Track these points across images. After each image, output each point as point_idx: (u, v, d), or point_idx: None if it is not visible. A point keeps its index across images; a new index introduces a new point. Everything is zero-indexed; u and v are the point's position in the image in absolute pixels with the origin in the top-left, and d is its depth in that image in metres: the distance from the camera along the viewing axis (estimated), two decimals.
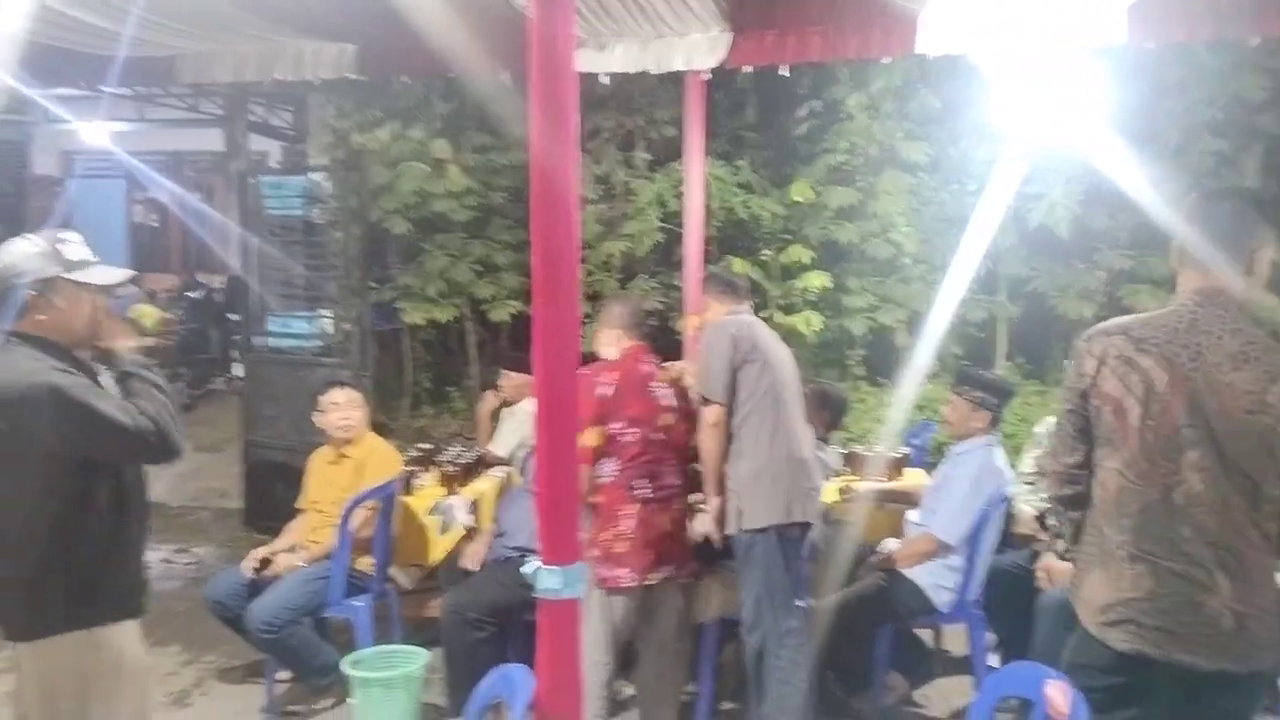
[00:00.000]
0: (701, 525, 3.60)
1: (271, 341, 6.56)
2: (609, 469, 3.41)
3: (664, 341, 7.58)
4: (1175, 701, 2.08)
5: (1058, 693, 1.90)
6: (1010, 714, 3.06)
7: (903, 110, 7.13)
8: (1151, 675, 2.00)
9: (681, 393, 3.62)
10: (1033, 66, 4.92)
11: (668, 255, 7.49)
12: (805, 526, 3.55)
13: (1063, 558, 2.19)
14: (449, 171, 7.28)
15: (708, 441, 3.49)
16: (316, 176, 6.75)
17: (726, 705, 3.91)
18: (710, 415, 3.46)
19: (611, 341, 3.59)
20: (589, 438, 3.31)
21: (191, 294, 10.97)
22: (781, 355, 3.63)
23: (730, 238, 7.62)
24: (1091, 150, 5.63)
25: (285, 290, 6.58)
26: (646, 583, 3.40)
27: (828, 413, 3.98)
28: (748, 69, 5.37)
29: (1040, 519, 3.85)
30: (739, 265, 7.31)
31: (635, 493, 3.40)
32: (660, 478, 3.47)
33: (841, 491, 4.48)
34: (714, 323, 3.62)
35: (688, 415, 3.57)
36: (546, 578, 1.87)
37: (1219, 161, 7.01)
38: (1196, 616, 1.99)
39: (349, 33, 4.95)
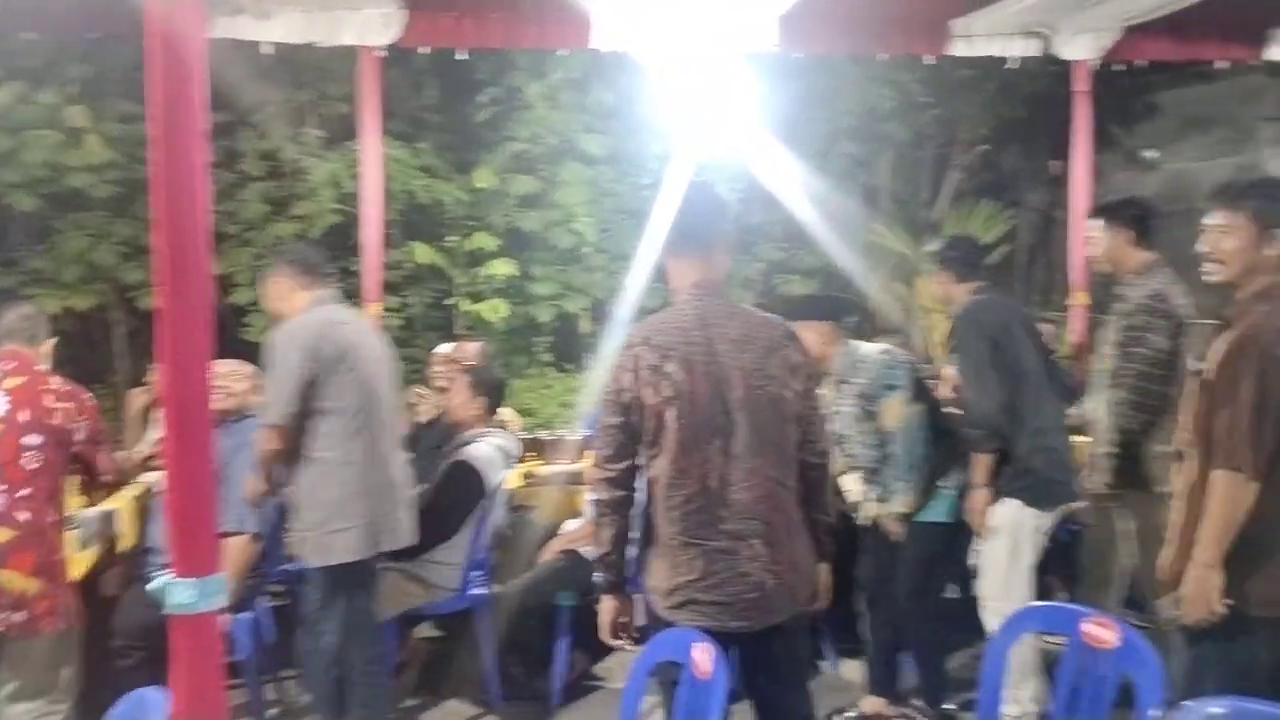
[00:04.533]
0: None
1: None
2: None
3: None
4: (743, 660, 2.34)
5: (701, 654, 2.03)
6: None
7: (581, 103, 7.32)
8: (716, 643, 2.17)
9: (25, 403, 2.91)
10: (695, 68, 5.23)
11: (345, 239, 7.14)
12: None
13: (600, 562, 2.34)
14: (87, 142, 6.47)
15: (261, 466, 3.11)
16: None
17: (409, 701, 3.82)
18: (267, 439, 3.02)
19: None
20: None
21: None
22: (373, 350, 3.21)
23: (413, 222, 7.43)
24: (748, 150, 6.08)
25: None
26: None
27: (485, 398, 3.93)
28: (425, 49, 5.26)
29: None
30: (422, 251, 7.16)
31: None
32: None
33: (525, 476, 4.52)
34: (285, 327, 3.08)
35: (33, 429, 2.89)
36: (179, 591, 1.71)
37: (854, 164, 7.86)
38: (744, 585, 2.23)
39: None
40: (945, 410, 3.55)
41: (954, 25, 5.10)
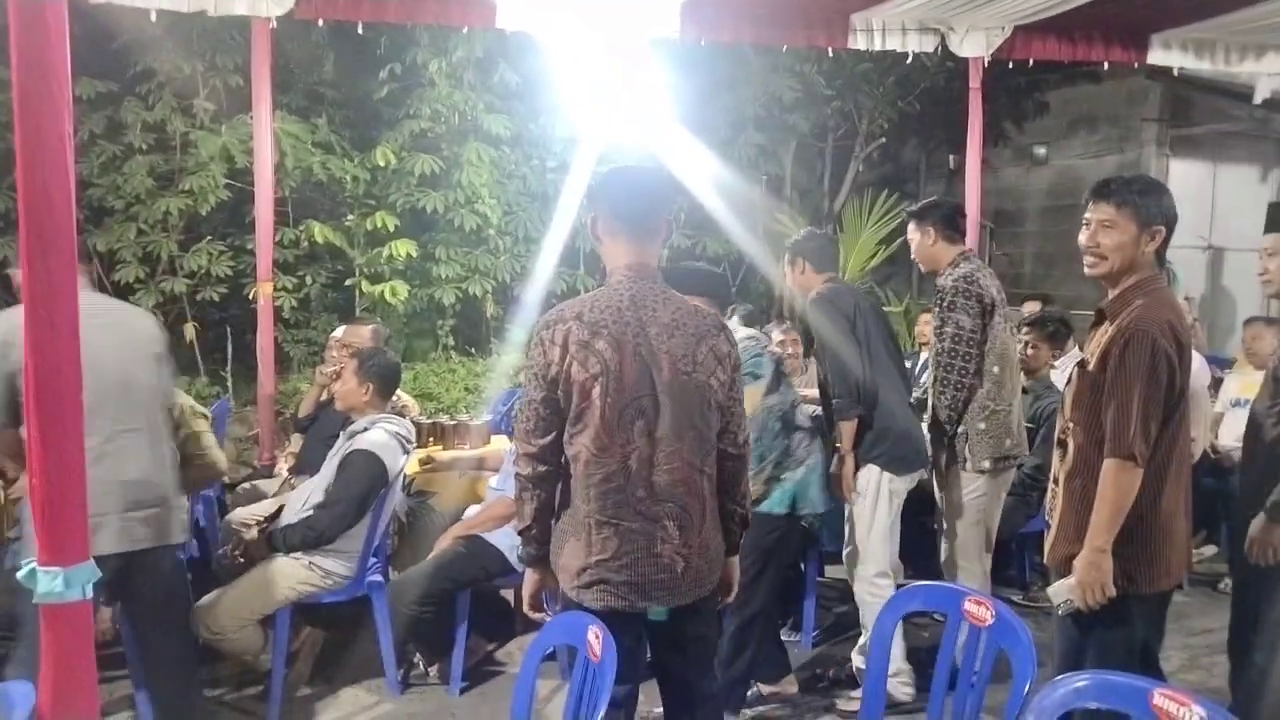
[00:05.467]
0: None
1: None
2: None
3: (237, 309, 7.03)
4: (654, 639, 2.37)
5: (594, 638, 2.03)
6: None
7: (485, 82, 7.21)
8: (622, 623, 2.23)
9: None
10: (600, 52, 5.20)
11: (238, 215, 6.91)
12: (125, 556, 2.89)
13: (521, 535, 2.35)
14: None
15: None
16: None
17: (304, 690, 3.73)
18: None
19: None
20: None
21: None
22: (100, 339, 2.72)
23: (309, 200, 7.22)
24: (654, 136, 6.09)
25: None
26: None
27: (377, 383, 3.84)
28: (320, 22, 5.10)
29: None
30: (319, 230, 6.96)
31: None
32: None
33: (423, 462, 4.45)
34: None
35: None
36: (45, 580, 1.62)
37: (760, 153, 7.95)
38: (654, 566, 2.24)
39: None
40: (799, 404, 3.67)
41: (855, 19, 5.20)
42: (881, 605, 3.46)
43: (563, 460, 2.28)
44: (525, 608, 2.45)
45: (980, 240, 5.94)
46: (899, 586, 3.44)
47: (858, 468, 3.54)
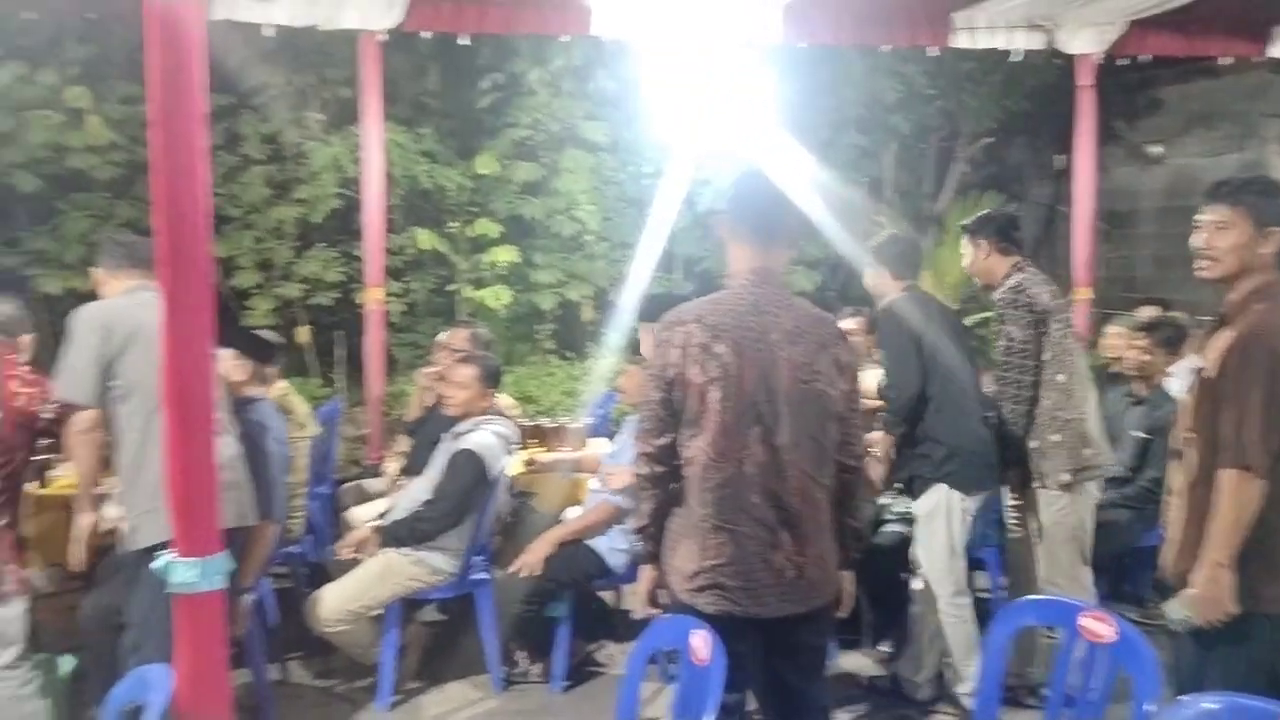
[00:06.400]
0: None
1: None
2: None
3: (347, 314, 7.27)
4: (762, 645, 2.33)
5: (700, 641, 2.04)
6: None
7: (583, 89, 7.29)
8: (736, 629, 2.21)
9: None
10: (698, 57, 5.22)
11: (348, 223, 7.15)
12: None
13: (638, 533, 2.36)
14: (89, 123, 6.46)
15: (79, 450, 3.00)
16: None
17: (412, 684, 3.84)
18: (78, 422, 2.94)
19: None
20: None
21: None
22: None
23: (415, 208, 7.42)
24: (752, 140, 6.07)
25: None
26: None
27: (481, 385, 3.94)
28: (427, 34, 5.26)
29: None
30: (424, 237, 7.16)
31: None
32: None
33: (527, 464, 4.53)
34: (85, 310, 2.97)
35: None
36: (181, 571, 1.71)
37: (860, 155, 7.84)
38: (766, 572, 2.23)
39: None
40: None
41: (957, 18, 5.10)
42: (965, 625, 3.48)
43: (680, 461, 2.27)
44: (642, 604, 2.46)
45: (1093, 243, 5.74)
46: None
47: (927, 486, 3.49)
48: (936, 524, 3.50)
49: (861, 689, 3.81)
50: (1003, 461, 3.53)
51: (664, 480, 2.28)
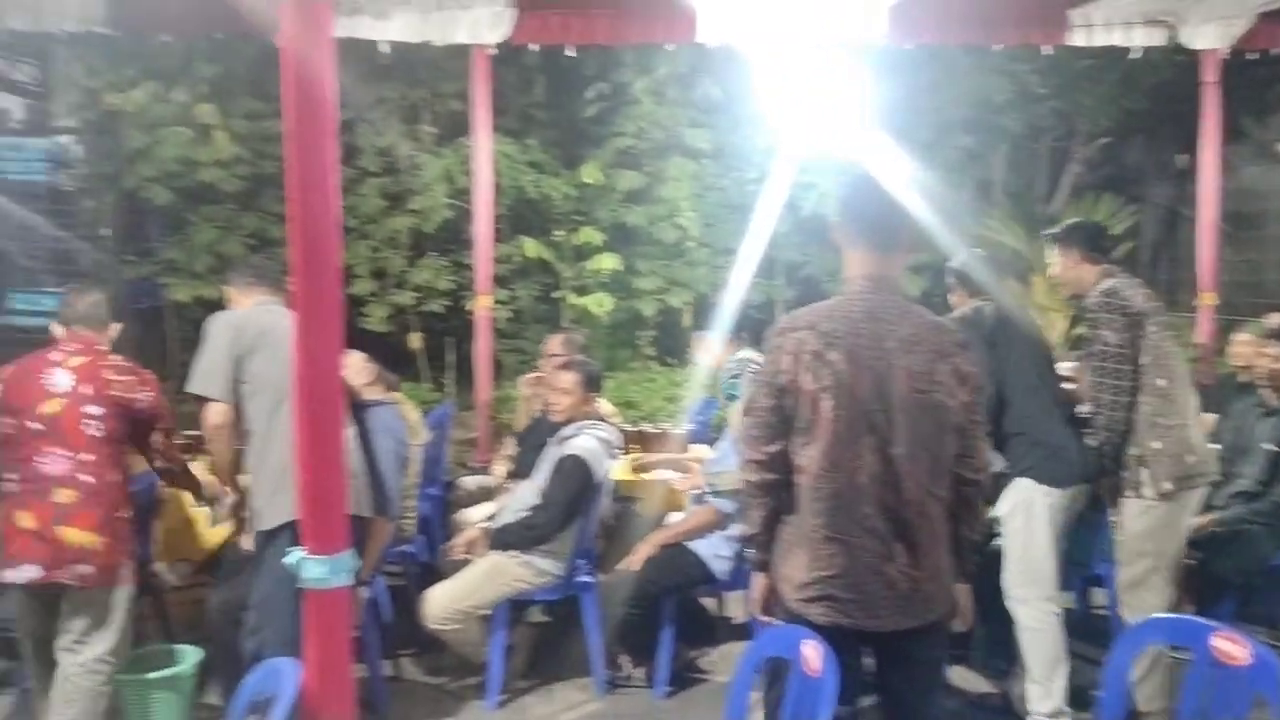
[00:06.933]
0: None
1: (18, 320, 5.95)
2: None
3: (457, 321, 7.48)
4: (878, 659, 2.30)
5: (812, 652, 2.03)
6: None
7: (687, 97, 7.34)
8: (847, 641, 2.19)
9: (87, 378, 3.07)
10: (803, 60, 5.19)
11: (457, 233, 7.36)
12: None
13: (749, 541, 2.35)
14: (216, 138, 6.82)
15: (214, 443, 3.21)
16: (63, 139, 6.14)
17: (518, 684, 3.91)
18: (211, 415, 3.15)
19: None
20: None
21: None
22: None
23: (521, 217, 7.59)
24: (856, 143, 6.00)
25: (31, 264, 5.97)
26: (5, 581, 2.97)
27: (583, 390, 4.01)
28: (534, 47, 5.37)
29: None
30: (530, 246, 7.31)
31: (4, 485, 3.02)
32: (30, 469, 2.99)
33: (635, 469, 4.56)
34: (218, 316, 3.28)
35: (94, 400, 3.05)
36: (311, 567, 1.80)
37: (967, 157, 7.66)
38: (879, 584, 2.18)
39: None
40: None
41: (1073, 15, 4.94)
42: (1048, 634, 3.34)
43: (790, 469, 2.25)
44: (754, 611, 2.45)
45: (1218, 246, 5.48)
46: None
47: (1008, 483, 3.39)
48: (1017, 521, 3.38)
49: (972, 706, 3.71)
50: (1099, 471, 3.40)
51: (774, 488, 2.26)
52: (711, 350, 4.13)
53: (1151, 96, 7.98)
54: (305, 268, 1.86)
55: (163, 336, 7.42)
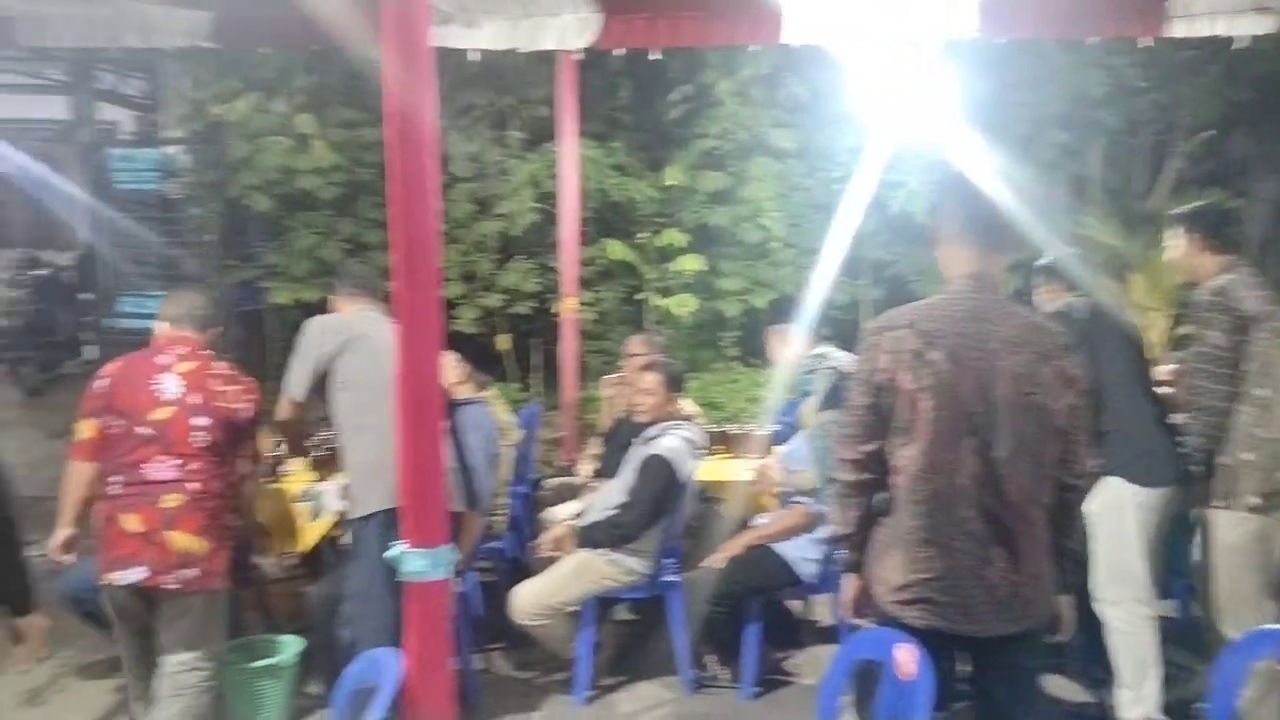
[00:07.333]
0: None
1: (125, 323, 6.26)
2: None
3: (543, 323, 7.59)
4: (973, 664, 2.27)
5: (907, 655, 2.02)
6: None
7: (771, 97, 7.30)
8: (943, 645, 2.16)
9: (195, 387, 3.15)
10: (891, 58, 5.12)
11: (544, 236, 7.46)
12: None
13: (842, 541, 2.32)
14: (314, 147, 7.06)
15: (282, 433, 3.61)
16: (171, 149, 6.43)
17: (605, 681, 3.96)
18: (280, 410, 3.44)
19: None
20: (81, 430, 3.12)
21: (37, 272, 10.29)
22: (391, 343, 3.39)
23: (606, 220, 7.66)
24: (946, 140, 5.90)
25: (140, 268, 6.27)
26: (110, 582, 3.04)
27: (666, 390, 4.02)
28: (619, 51, 5.42)
29: None
30: (615, 248, 7.37)
31: (107, 489, 3.09)
32: (137, 474, 3.06)
33: (719, 469, 4.55)
34: (311, 320, 3.50)
35: (202, 411, 3.13)
36: (412, 560, 1.86)
37: (1062, 153, 7.44)
38: (978, 588, 2.15)
39: (205, 0, 4.75)
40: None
41: (1172, 6, 4.77)
42: (1138, 638, 3.25)
43: (885, 469, 2.23)
44: (845, 613, 2.45)
45: None
46: None
47: (1097, 482, 3.28)
48: (1108, 520, 3.29)
49: (1068, 715, 3.63)
50: (1190, 476, 3.29)
51: (869, 488, 2.24)
52: (788, 345, 4.09)
53: (1257, 87, 7.63)
54: (407, 274, 1.92)
55: (263, 338, 7.71)
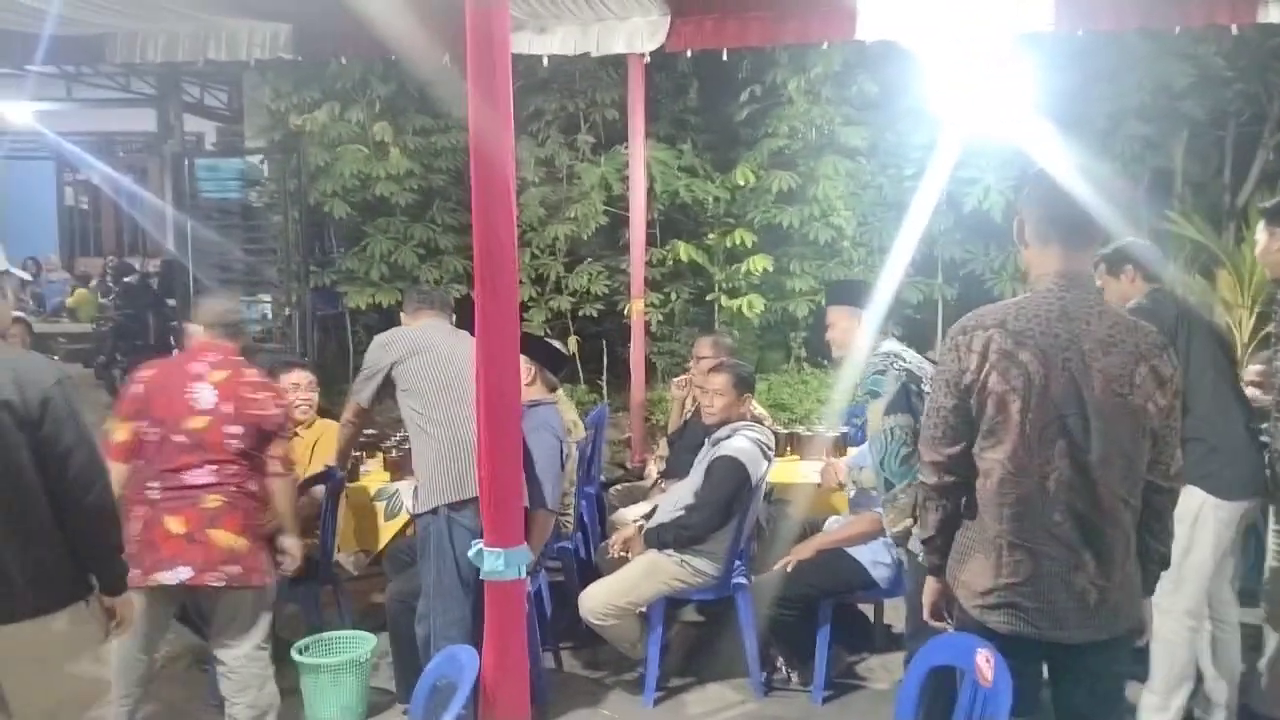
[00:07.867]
0: None
1: None
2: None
3: (611, 324, 7.65)
4: (1052, 670, 2.21)
5: (985, 661, 1.98)
6: None
7: (841, 95, 7.23)
8: (1028, 650, 2.11)
9: (229, 396, 3.22)
10: (966, 53, 5.04)
11: (613, 238, 7.51)
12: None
13: (924, 544, 2.26)
14: (390, 154, 7.22)
15: (341, 431, 3.95)
16: (253, 159, 6.64)
17: (675, 682, 3.97)
18: (345, 412, 3.85)
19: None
20: (117, 433, 3.16)
21: (126, 279, 10.71)
22: (454, 350, 3.62)
23: (674, 221, 7.68)
24: (1022, 135, 5.77)
25: (223, 275, 6.49)
26: (150, 583, 3.08)
27: (736, 391, 4.00)
28: (688, 52, 5.43)
29: None
30: (683, 250, 7.38)
31: (146, 493, 3.16)
32: (176, 479, 3.13)
33: (821, 475, 4.50)
34: (380, 334, 3.82)
35: (235, 419, 3.20)
36: (490, 560, 1.89)
37: (1144, 146, 7.22)
38: (1067, 594, 2.09)
39: (285, 13, 4.88)
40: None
41: None
42: (1182, 650, 3.14)
43: (971, 472, 2.18)
44: (926, 617, 2.42)
45: None
46: None
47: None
48: (1181, 529, 3.13)
49: None
50: (1274, 483, 3.16)
51: (953, 491, 2.20)
52: (855, 339, 3.94)
53: None
54: (487, 281, 1.95)
55: (342, 340, 7.91)
